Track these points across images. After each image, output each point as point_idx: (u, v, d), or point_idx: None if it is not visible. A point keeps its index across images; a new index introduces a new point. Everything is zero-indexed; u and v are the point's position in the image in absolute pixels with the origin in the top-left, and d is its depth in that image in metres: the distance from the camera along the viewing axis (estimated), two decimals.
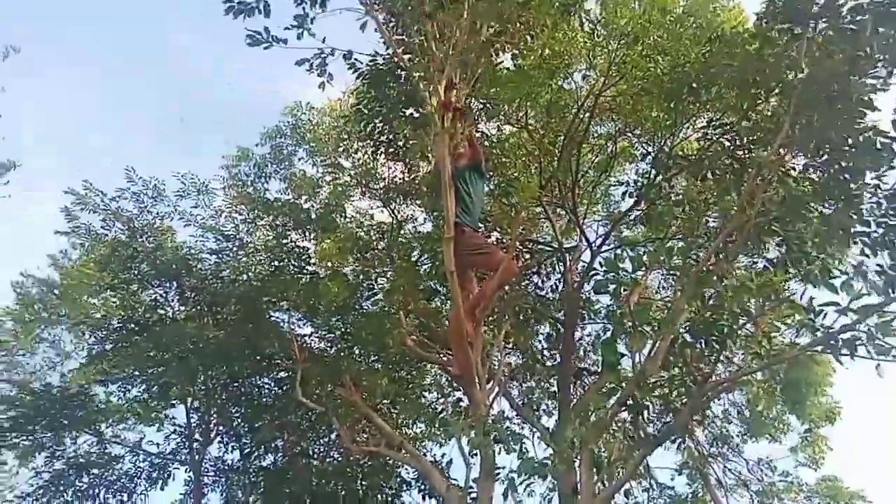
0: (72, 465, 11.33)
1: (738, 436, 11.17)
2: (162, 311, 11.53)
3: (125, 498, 11.46)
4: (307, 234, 10.15)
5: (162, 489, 11.66)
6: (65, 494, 11.18)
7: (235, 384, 10.83)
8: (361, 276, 9.66)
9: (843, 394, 10.92)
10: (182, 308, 11.60)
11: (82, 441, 11.75)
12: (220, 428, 11.95)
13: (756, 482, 11.08)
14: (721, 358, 6.20)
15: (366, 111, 8.14)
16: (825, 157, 6.52)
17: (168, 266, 10.81)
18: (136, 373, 11.30)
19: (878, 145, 5.79)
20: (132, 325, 11.20)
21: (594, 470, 6.20)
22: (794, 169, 7.00)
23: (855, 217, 6.10)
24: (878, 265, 5.68)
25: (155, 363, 10.63)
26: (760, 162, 6.34)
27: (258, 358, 10.22)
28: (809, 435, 11.01)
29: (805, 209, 6.51)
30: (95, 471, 11.49)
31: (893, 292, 5.25)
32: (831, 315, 5.35)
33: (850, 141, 5.99)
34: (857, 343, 5.02)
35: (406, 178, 9.74)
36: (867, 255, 5.87)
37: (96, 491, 11.38)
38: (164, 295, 11.64)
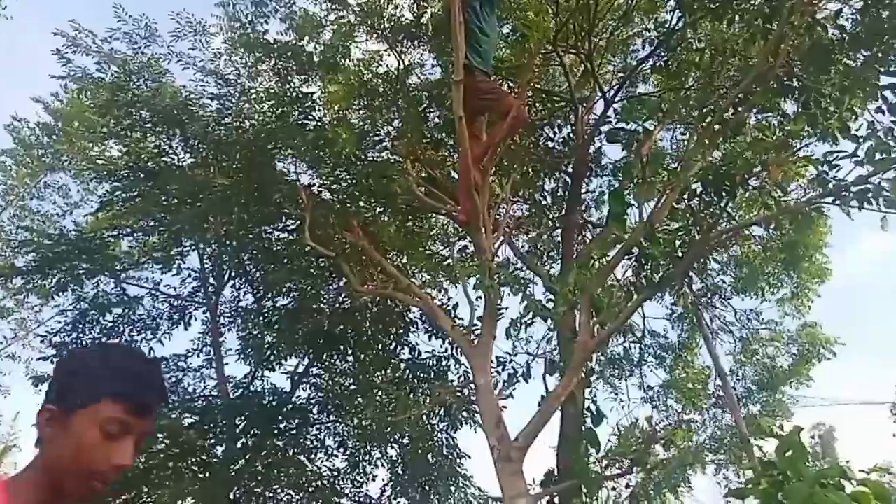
0: (95, 304, 11.90)
1: (729, 287, 11.58)
2: (167, 159, 11.48)
3: (149, 335, 12.11)
4: (311, 79, 9.79)
5: (186, 329, 12.33)
6: (92, 331, 11.85)
7: (245, 231, 11.02)
8: (368, 124, 9.46)
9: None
10: (187, 156, 11.54)
11: (103, 285, 12.26)
12: (233, 273, 12.37)
13: (741, 329, 11.74)
14: (729, 209, 6.22)
15: None
16: (862, 2, 6.11)
17: (169, 111, 10.59)
18: (149, 221, 11.51)
19: None
20: (139, 173, 11.19)
21: (593, 313, 6.45)
22: (824, 17, 6.58)
23: (880, 70, 5.84)
24: (892, 121, 5.54)
25: (164, 210, 10.77)
26: (793, 5, 5.93)
27: (266, 205, 10.31)
28: (799, 290, 11.42)
29: (830, 61, 6.22)
30: (118, 310, 12.08)
31: None
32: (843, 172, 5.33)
33: None
34: (867, 195, 5.01)
35: (414, 18, 9.21)
36: (883, 113, 5.70)
37: (121, 329, 12.05)
38: (168, 142, 11.53)
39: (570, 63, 9.81)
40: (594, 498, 6.91)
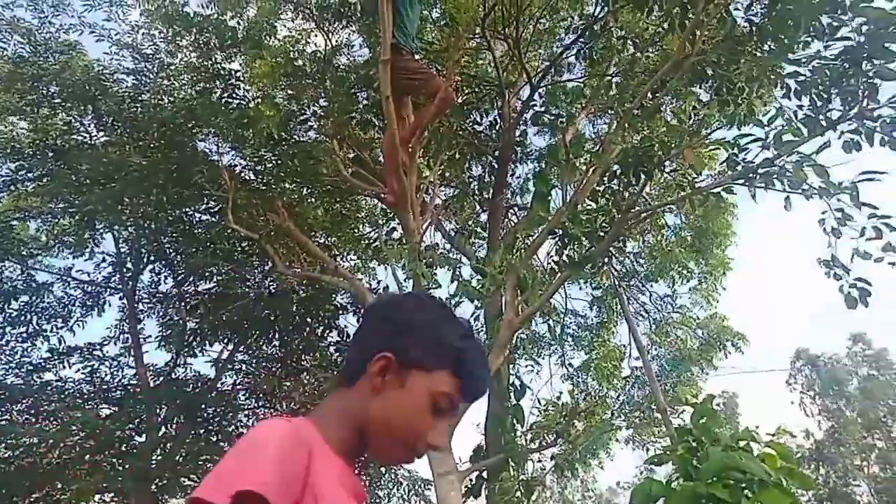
0: None
1: (644, 272, 12.17)
2: (78, 137, 10.87)
3: (59, 324, 11.49)
4: (234, 55, 9.49)
5: (100, 315, 11.77)
6: None
7: (164, 213, 10.61)
8: (294, 103, 9.27)
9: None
10: (100, 133, 10.96)
11: (7, 272, 11.51)
12: (152, 257, 11.89)
13: (655, 312, 12.41)
14: (643, 194, 6.53)
15: None
16: None
17: (80, 87, 10.01)
18: (58, 203, 10.88)
19: None
20: (46, 152, 10.55)
21: (518, 292, 6.63)
22: (737, 8, 6.96)
23: (783, 59, 6.26)
24: (798, 106, 5.96)
25: (75, 191, 10.20)
26: None
27: (186, 186, 9.95)
28: (707, 278, 12.14)
29: (740, 51, 6.61)
30: (24, 297, 11.39)
31: (811, 132, 5.57)
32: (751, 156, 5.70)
33: None
34: (773, 177, 5.38)
35: None
36: (789, 99, 6.12)
37: (28, 317, 11.37)
38: (78, 119, 10.91)
39: (497, 50, 9.95)
40: (521, 470, 7.13)
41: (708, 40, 6.64)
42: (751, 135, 5.38)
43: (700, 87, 6.86)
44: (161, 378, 11.76)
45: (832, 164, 5.15)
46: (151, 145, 10.09)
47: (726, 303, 12.83)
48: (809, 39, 5.83)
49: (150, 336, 11.81)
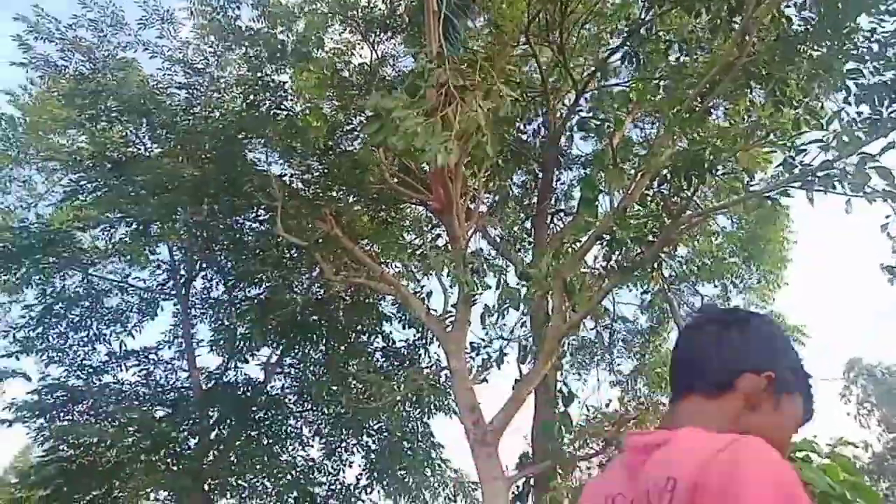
0: (61, 298, 11.68)
1: (694, 277, 11.90)
2: (134, 149, 11.30)
3: (118, 329, 11.93)
4: (283, 67, 9.72)
5: (152, 319, 12.18)
6: (59, 326, 11.64)
7: (216, 221, 10.92)
8: (340, 114, 9.44)
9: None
10: (154, 146, 11.37)
11: (69, 279, 12.04)
12: (204, 264, 12.25)
13: None
14: (695, 196, 6.41)
15: None
16: None
17: (136, 101, 10.41)
18: (115, 213, 11.31)
19: None
20: (104, 163, 10.98)
21: (565, 297, 6.59)
22: (788, 7, 6.78)
23: (843, 59, 6.06)
24: (857, 112, 5.76)
25: (132, 201, 10.60)
26: None
27: (237, 196, 10.23)
28: (764, 277, 11.79)
29: (795, 52, 6.43)
30: (85, 303, 11.87)
31: (873, 133, 5.38)
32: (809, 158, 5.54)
33: None
34: (833, 179, 5.22)
35: (388, 9, 9.21)
36: (849, 103, 5.91)
37: (88, 322, 11.86)
38: (134, 132, 11.34)
39: (542, 56, 9.92)
40: (568, 478, 7.07)
41: (759, 41, 6.49)
42: (814, 141, 5.21)
43: (752, 90, 6.70)
44: (213, 381, 12.09)
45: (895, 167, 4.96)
46: (203, 156, 10.41)
47: (782, 302, 12.43)
48: (871, 42, 5.63)
49: (202, 340, 12.17)
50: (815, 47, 6.44)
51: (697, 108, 6.21)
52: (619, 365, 11.81)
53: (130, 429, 10.52)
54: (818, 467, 3.72)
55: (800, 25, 6.30)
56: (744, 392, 1.10)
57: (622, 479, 1.09)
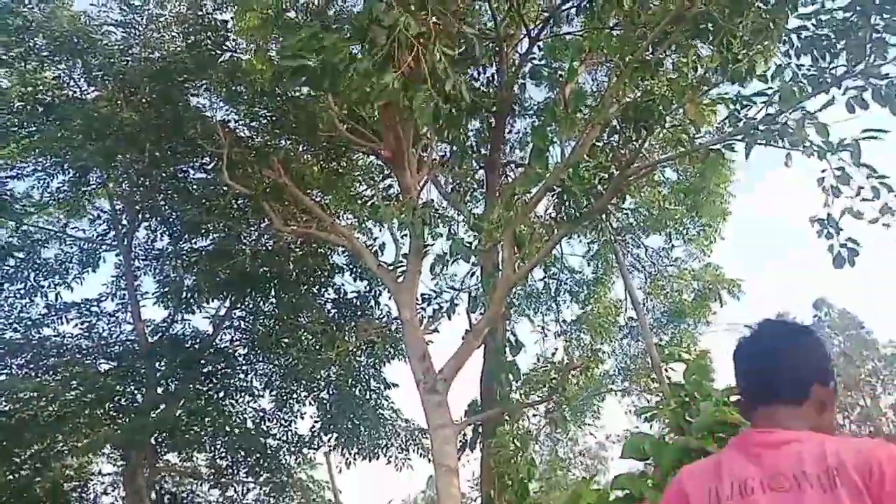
0: None
1: (639, 228, 12.16)
2: (68, 91, 10.67)
3: (57, 280, 11.49)
4: (225, 6, 9.23)
5: (94, 271, 11.77)
6: None
7: (158, 169, 10.50)
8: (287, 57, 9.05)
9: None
10: (91, 88, 10.76)
11: (2, 229, 11.45)
12: (147, 214, 11.82)
13: (651, 266, 12.48)
14: (644, 146, 6.45)
15: None
16: None
17: (68, 39, 9.77)
18: (49, 158, 10.73)
19: None
20: (36, 106, 10.34)
21: (515, 248, 6.62)
22: None
23: (790, 14, 6.09)
24: (798, 66, 5.84)
25: (67, 147, 10.06)
26: None
27: (180, 142, 9.82)
28: (704, 230, 12.14)
29: (744, 4, 6.43)
30: (20, 254, 11.35)
31: (815, 89, 5.48)
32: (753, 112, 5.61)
33: None
34: (774, 134, 5.31)
35: None
36: (791, 57, 5.98)
37: (25, 273, 11.37)
38: (67, 73, 10.69)
39: (494, 1, 9.68)
40: (515, 424, 7.25)
41: None
42: (747, 98, 5.28)
43: (702, 42, 6.70)
44: (159, 334, 11.84)
45: (835, 122, 5.08)
46: (143, 100, 9.91)
47: (723, 255, 12.90)
48: None
49: (147, 292, 11.83)
50: (762, 1, 6.46)
51: (649, 59, 6.19)
52: (564, 315, 12.09)
53: (73, 382, 10.25)
54: None
55: None
56: (817, 400, 1.45)
57: (747, 466, 1.37)
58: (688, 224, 12.00)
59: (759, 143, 5.26)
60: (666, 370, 8.61)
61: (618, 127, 5.96)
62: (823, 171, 5.27)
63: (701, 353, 5.58)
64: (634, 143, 5.87)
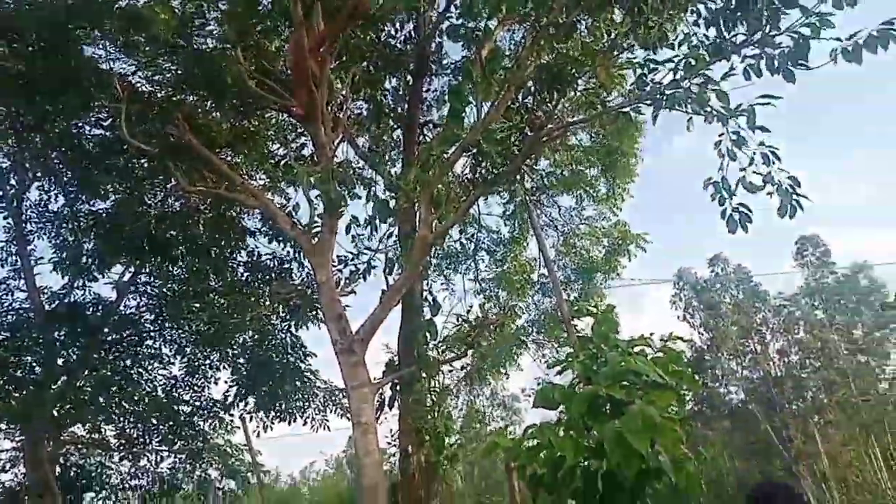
0: None
1: (553, 188, 12.53)
2: None
3: None
4: None
5: None
6: None
7: (50, 125, 9.70)
8: (191, 6, 8.51)
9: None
10: None
11: None
12: (39, 173, 10.96)
13: (563, 225, 12.98)
14: (557, 108, 6.58)
15: None
16: None
17: None
18: None
19: None
20: None
21: (432, 209, 6.65)
22: None
23: None
24: (705, 35, 6.10)
25: None
26: None
27: (74, 96, 9.09)
28: (614, 189, 12.67)
29: None
30: None
31: (716, 56, 5.74)
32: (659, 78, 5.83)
33: None
34: (677, 98, 5.55)
35: None
36: (698, 25, 6.23)
37: None
38: None
39: None
40: (433, 381, 7.40)
41: None
42: (657, 61, 5.49)
43: (615, 7, 6.86)
44: (57, 302, 11.14)
45: (734, 88, 5.37)
46: (31, 49, 9.06)
47: (630, 214, 13.58)
48: None
49: (41, 258, 11.05)
50: None
51: (563, 22, 6.28)
52: (482, 273, 12.35)
53: None
54: (651, 359, 4.17)
55: None
56: None
57: None
58: (599, 185, 12.48)
59: (665, 108, 5.49)
60: (575, 324, 9.04)
61: (532, 89, 6.04)
62: (721, 135, 5.58)
63: (607, 307, 5.87)
64: (548, 104, 5.98)
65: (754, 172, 5.59)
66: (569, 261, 13.16)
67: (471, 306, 7.78)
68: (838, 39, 5.18)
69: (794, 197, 5.31)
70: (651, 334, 5.44)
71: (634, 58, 6.35)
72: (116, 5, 8.36)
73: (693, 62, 5.59)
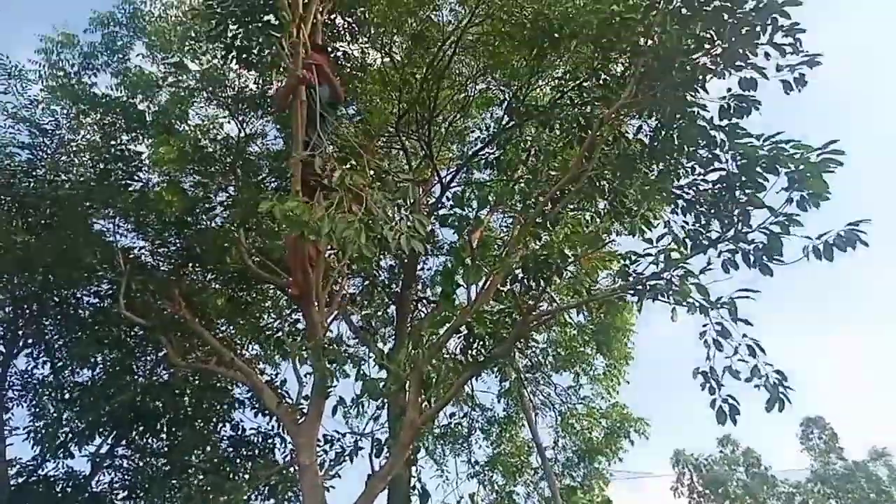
0: None
1: (549, 366, 12.43)
2: None
3: None
4: (141, 137, 9.28)
5: None
6: None
7: (48, 294, 9.88)
8: (200, 190, 9.10)
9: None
10: None
11: None
12: (29, 340, 10.93)
13: (560, 404, 12.66)
14: (545, 294, 6.75)
15: (218, 9, 7.47)
16: (657, 123, 7.12)
17: None
18: None
19: (702, 123, 6.39)
20: None
21: (422, 390, 6.56)
22: (628, 132, 7.57)
23: (674, 180, 6.82)
24: (683, 223, 6.46)
25: None
26: (602, 118, 6.79)
27: (76, 267, 9.37)
28: (610, 370, 12.57)
29: (633, 168, 7.15)
30: None
31: (694, 250, 6.03)
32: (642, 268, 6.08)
33: (679, 115, 6.54)
34: (659, 290, 5.73)
35: (258, 89, 9.18)
36: (677, 214, 6.63)
37: None
38: None
39: (410, 147, 10.30)
40: None
41: (603, 156, 7.16)
42: (638, 253, 5.76)
43: (597, 200, 7.32)
44: (25, 476, 10.54)
45: (713, 281, 5.56)
46: (42, 222, 9.53)
47: (629, 395, 13.24)
48: (692, 167, 6.40)
49: (17, 427, 10.63)
50: (651, 165, 7.22)
51: (548, 213, 6.66)
52: (476, 456, 11.84)
53: None
54: None
55: (636, 147, 7.05)
56: None
57: None
58: (595, 363, 12.41)
59: (647, 298, 5.64)
60: None
61: (520, 276, 6.25)
62: (704, 325, 5.68)
63: (605, 500, 5.59)
64: (535, 291, 6.16)
65: (740, 360, 5.62)
66: (568, 441, 12.69)
67: (462, 496, 7.37)
68: (808, 237, 5.46)
69: (781, 391, 5.29)
70: None
71: (617, 249, 6.65)
72: (131, 187, 8.95)
73: (673, 255, 5.84)
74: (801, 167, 5.23)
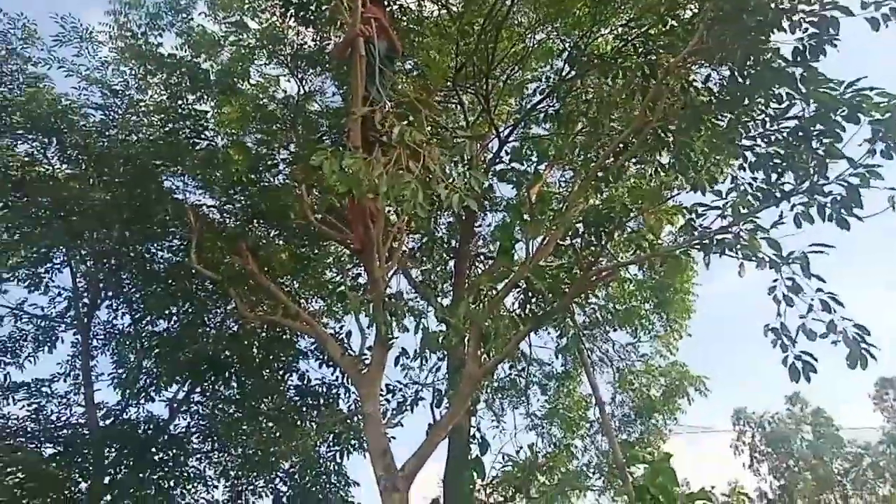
0: None
1: (607, 322, 12.32)
2: (40, 169, 10.69)
3: (8, 359, 11.08)
4: (205, 97, 9.51)
5: (50, 352, 11.37)
6: None
7: (126, 248, 10.42)
8: (263, 148, 9.30)
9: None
10: (64, 167, 10.81)
11: None
12: (109, 293, 11.60)
13: (618, 360, 12.59)
14: (605, 250, 6.67)
15: None
16: (728, 71, 6.77)
17: (46, 119, 9.89)
18: (14, 235, 10.58)
19: (777, 66, 6.04)
20: (6, 183, 10.32)
21: (481, 343, 6.65)
22: (696, 80, 7.24)
23: (743, 132, 6.51)
24: (752, 178, 6.18)
25: (34, 223, 9.99)
26: (668, 67, 6.52)
27: (150, 223, 9.82)
28: (670, 326, 12.36)
29: (700, 120, 6.87)
30: None
31: (764, 202, 5.79)
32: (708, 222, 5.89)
33: (751, 59, 6.20)
34: (727, 245, 5.56)
35: (316, 46, 9.22)
36: (744, 169, 6.34)
37: None
38: (41, 151, 10.75)
39: (468, 101, 10.17)
40: None
41: (669, 107, 6.90)
42: (705, 205, 5.58)
43: (661, 153, 7.09)
44: (112, 419, 11.36)
45: (785, 235, 5.35)
46: (116, 180, 9.98)
47: (689, 351, 13.06)
48: (765, 117, 6.08)
49: (102, 374, 11.43)
50: (719, 117, 6.91)
51: (610, 167, 6.51)
52: (533, 409, 11.98)
53: (14, 468, 9.70)
54: None
55: (704, 96, 6.74)
56: None
57: None
58: (654, 320, 12.24)
59: (714, 253, 5.49)
60: (631, 471, 8.55)
61: (580, 231, 6.18)
62: (775, 280, 5.49)
63: (664, 455, 5.58)
64: (595, 246, 6.08)
65: (814, 319, 5.41)
66: (626, 398, 12.66)
67: (521, 447, 7.52)
68: (892, 189, 5.17)
69: (864, 346, 5.05)
70: (713, 487, 5.09)
71: (680, 203, 6.46)
72: (198, 146, 9.22)
73: (742, 209, 5.63)
74: (889, 115, 4.90)
